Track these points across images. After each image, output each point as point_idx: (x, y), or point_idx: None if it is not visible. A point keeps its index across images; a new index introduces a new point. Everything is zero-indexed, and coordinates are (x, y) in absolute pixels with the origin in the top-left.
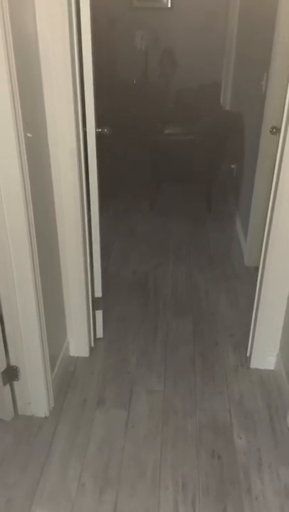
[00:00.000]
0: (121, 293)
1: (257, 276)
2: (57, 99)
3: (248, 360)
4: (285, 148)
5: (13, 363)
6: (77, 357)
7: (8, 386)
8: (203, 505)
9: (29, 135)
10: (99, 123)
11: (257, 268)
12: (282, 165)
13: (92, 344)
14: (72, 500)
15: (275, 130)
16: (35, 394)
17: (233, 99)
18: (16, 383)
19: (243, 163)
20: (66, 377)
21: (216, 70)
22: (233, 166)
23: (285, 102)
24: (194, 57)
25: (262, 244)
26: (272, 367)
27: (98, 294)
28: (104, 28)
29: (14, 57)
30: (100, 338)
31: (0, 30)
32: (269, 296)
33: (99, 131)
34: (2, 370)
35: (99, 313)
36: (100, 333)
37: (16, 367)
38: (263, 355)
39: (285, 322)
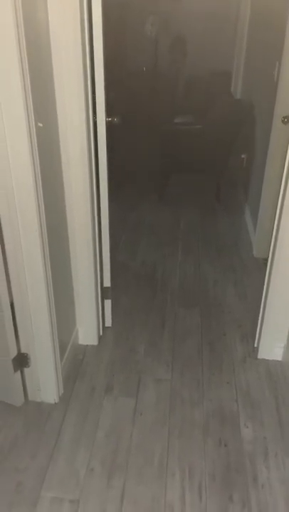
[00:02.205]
0: (129, 283)
1: (265, 267)
2: (67, 89)
3: (255, 350)
4: None
5: (23, 350)
6: (86, 345)
7: (18, 373)
8: (210, 492)
9: (40, 125)
10: (108, 112)
11: (265, 259)
12: None
13: (101, 333)
14: (80, 484)
15: (287, 120)
16: (45, 380)
17: (244, 87)
18: (26, 370)
19: (254, 153)
20: (75, 365)
21: (227, 58)
22: (243, 156)
23: None
24: (205, 44)
25: (271, 235)
26: (279, 358)
27: (107, 283)
28: (114, 15)
29: (26, 46)
30: (108, 327)
31: (12, 20)
32: (278, 287)
33: (109, 121)
34: (13, 357)
35: (108, 303)
36: (108, 322)
37: (27, 354)
38: (271, 346)
39: None
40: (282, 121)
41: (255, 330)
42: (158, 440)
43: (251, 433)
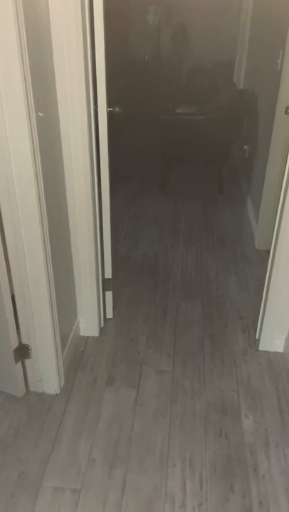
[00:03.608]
0: (131, 274)
1: (267, 259)
2: (68, 78)
3: (256, 342)
4: None
5: (24, 341)
6: (88, 336)
7: (19, 364)
8: (211, 482)
9: (40, 114)
10: (109, 102)
11: (267, 251)
12: None
13: (102, 324)
14: (82, 474)
15: None
16: (46, 372)
17: (247, 77)
18: (27, 361)
19: (256, 144)
20: (76, 356)
21: (230, 47)
22: (245, 147)
23: None
24: (208, 34)
25: (273, 227)
26: (281, 349)
27: (108, 275)
28: (116, 4)
29: (26, 34)
30: (109, 319)
31: (11, 8)
32: (280, 279)
33: (110, 111)
34: (14, 348)
35: (109, 294)
36: (109, 314)
37: (28, 345)
38: (272, 338)
39: None
40: (286, 112)
41: (257, 322)
42: (159, 431)
43: (252, 424)
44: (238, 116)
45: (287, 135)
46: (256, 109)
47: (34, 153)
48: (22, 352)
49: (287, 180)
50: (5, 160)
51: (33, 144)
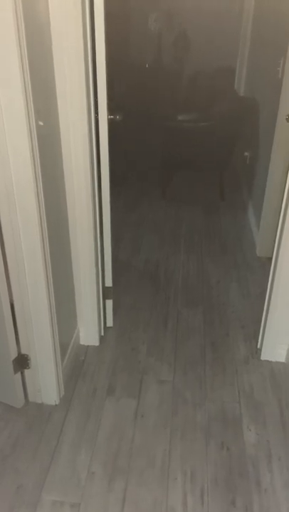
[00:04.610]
0: (132, 282)
1: (268, 266)
2: (69, 86)
3: (258, 351)
4: None
5: (24, 351)
6: (88, 346)
7: (19, 374)
8: (212, 496)
9: (40, 123)
10: (110, 109)
11: (268, 258)
12: None
13: (103, 333)
14: (81, 488)
15: None
16: (46, 382)
17: (247, 84)
18: (26, 371)
19: (257, 151)
20: (76, 366)
21: (231, 54)
22: (246, 154)
23: None
24: (209, 41)
25: (274, 234)
26: (283, 359)
27: (109, 283)
28: (117, 10)
29: (26, 42)
30: (110, 327)
31: (11, 15)
32: (282, 288)
33: (111, 118)
34: (13, 358)
35: (109, 303)
36: (110, 322)
37: (27, 355)
38: (274, 348)
39: None
40: (287, 120)
41: (258, 330)
42: (160, 442)
43: (254, 436)
44: (239, 124)
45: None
46: (257, 116)
47: (34, 162)
48: (21, 362)
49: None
50: (5, 169)
51: (33, 152)
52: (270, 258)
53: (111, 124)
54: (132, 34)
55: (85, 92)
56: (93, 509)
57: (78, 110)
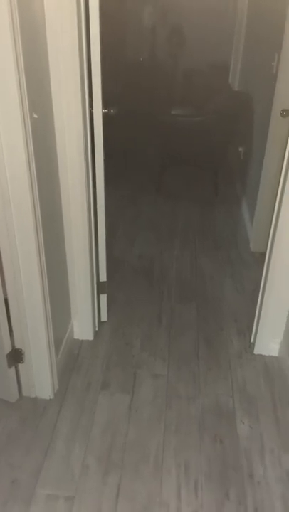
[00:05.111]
0: (126, 277)
1: (262, 261)
2: (63, 79)
3: (252, 346)
4: None
5: (18, 345)
6: (82, 340)
7: (12, 368)
8: (206, 489)
9: (35, 116)
10: (104, 103)
11: (262, 253)
12: None
13: (97, 328)
14: (76, 481)
15: (286, 113)
16: (40, 376)
17: (242, 79)
18: (20, 365)
19: (252, 147)
20: (70, 360)
21: (225, 49)
22: (240, 149)
23: None
24: (203, 35)
25: (268, 229)
26: (276, 353)
27: (103, 278)
28: (111, 5)
29: (20, 35)
30: (104, 322)
31: (6, 8)
32: (275, 282)
33: (105, 112)
34: (7, 352)
35: (103, 297)
36: (104, 317)
37: (21, 349)
38: (267, 342)
39: None
40: (281, 115)
41: (252, 325)
42: (154, 436)
43: (247, 429)
44: (233, 119)
45: (283, 138)
46: (252, 112)
47: (28, 155)
48: (15, 356)
49: (283, 184)
50: None
51: (27, 145)
52: (264, 253)
53: (105, 118)
54: (126, 28)
55: (80, 85)
56: (87, 502)
57: (73, 103)
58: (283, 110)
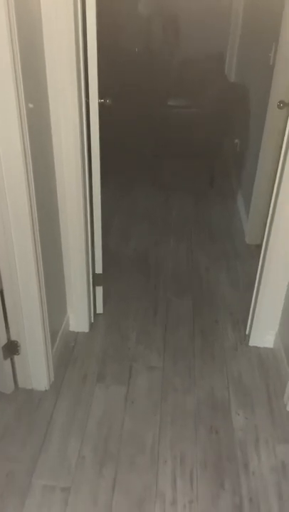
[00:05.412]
0: (121, 270)
1: (257, 254)
2: (59, 69)
3: (247, 338)
4: None
5: (13, 337)
6: (77, 332)
7: (8, 360)
8: (201, 479)
9: (30, 105)
10: (100, 94)
11: (257, 246)
12: None
13: (92, 320)
14: (72, 472)
15: (283, 104)
16: (36, 368)
17: (238, 70)
18: (16, 357)
19: (248, 139)
20: (66, 352)
21: (222, 39)
22: (236, 141)
23: None
24: (199, 25)
25: (264, 222)
26: (271, 345)
27: (99, 270)
28: None
29: (16, 23)
30: (99, 314)
31: None
32: (271, 274)
33: (101, 102)
34: (2, 344)
35: (99, 289)
36: (100, 309)
37: (17, 341)
38: (262, 334)
39: (286, 301)
40: (278, 106)
41: (247, 317)
42: (150, 428)
43: (242, 420)
44: (229, 110)
45: (280, 129)
46: (248, 103)
47: (24, 145)
48: (11, 348)
49: (280, 175)
50: None
51: (22, 135)
52: (259, 245)
53: (101, 109)
54: (121, 18)
55: (76, 74)
56: (84, 493)
57: (69, 93)
58: (280, 102)
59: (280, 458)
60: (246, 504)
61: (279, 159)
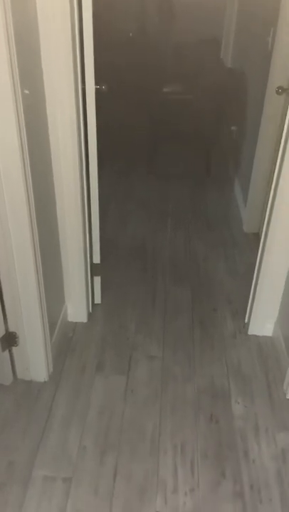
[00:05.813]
0: (119, 259)
1: (255, 242)
2: (54, 54)
3: (246, 326)
4: None
5: (12, 328)
6: (76, 322)
7: (7, 352)
8: (202, 468)
9: (26, 92)
10: (96, 80)
11: (255, 234)
12: None
13: (91, 310)
14: (73, 463)
15: (281, 90)
16: (34, 359)
17: (235, 55)
18: (14, 349)
19: (245, 125)
20: (65, 343)
21: (217, 23)
22: (233, 128)
23: None
24: (194, 8)
25: (262, 210)
26: (270, 334)
27: (96, 260)
28: None
29: (11, 7)
30: (98, 304)
31: None
32: (271, 262)
33: (97, 88)
34: (1, 336)
35: (97, 279)
36: (98, 299)
37: (15, 333)
38: (262, 322)
39: (286, 289)
40: (277, 92)
41: (246, 306)
42: (150, 417)
43: (242, 409)
44: (226, 96)
45: (279, 116)
46: (245, 89)
47: (20, 131)
48: (9, 340)
49: (280, 161)
50: None
51: (18, 121)
52: (257, 234)
53: (97, 95)
54: (115, 2)
55: (72, 60)
56: (85, 483)
57: (65, 79)
58: (279, 87)
59: (280, 446)
60: (247, 491)
61: (278, 146)
